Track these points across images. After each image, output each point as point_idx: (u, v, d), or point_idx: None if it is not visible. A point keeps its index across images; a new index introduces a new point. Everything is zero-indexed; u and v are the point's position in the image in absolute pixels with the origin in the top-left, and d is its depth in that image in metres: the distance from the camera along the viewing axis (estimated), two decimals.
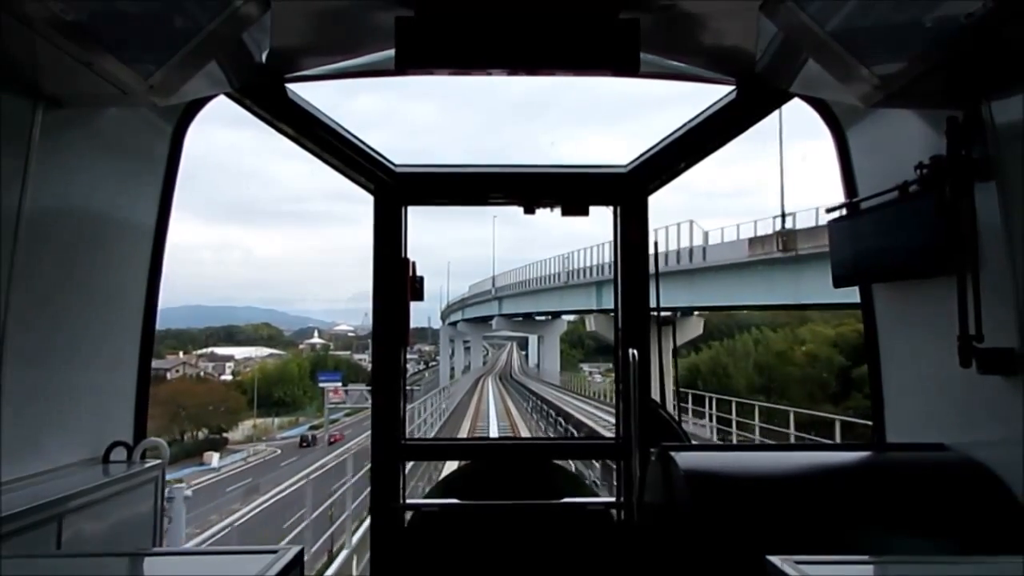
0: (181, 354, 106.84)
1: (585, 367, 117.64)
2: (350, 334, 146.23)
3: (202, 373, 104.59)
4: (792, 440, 20.62)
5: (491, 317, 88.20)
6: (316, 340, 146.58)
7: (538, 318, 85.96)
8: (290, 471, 37.81)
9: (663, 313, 4.81)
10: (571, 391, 63.27)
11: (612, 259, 4.67)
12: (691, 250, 38.38)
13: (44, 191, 3.02)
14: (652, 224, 4.58)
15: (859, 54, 2.82)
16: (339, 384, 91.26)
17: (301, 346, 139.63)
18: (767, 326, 71.82)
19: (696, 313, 47.19)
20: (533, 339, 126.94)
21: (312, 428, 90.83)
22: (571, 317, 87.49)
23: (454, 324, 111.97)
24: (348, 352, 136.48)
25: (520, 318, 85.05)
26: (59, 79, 2.85)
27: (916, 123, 3.30)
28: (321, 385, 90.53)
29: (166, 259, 4.03)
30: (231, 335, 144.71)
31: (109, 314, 3.76)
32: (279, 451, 71.99)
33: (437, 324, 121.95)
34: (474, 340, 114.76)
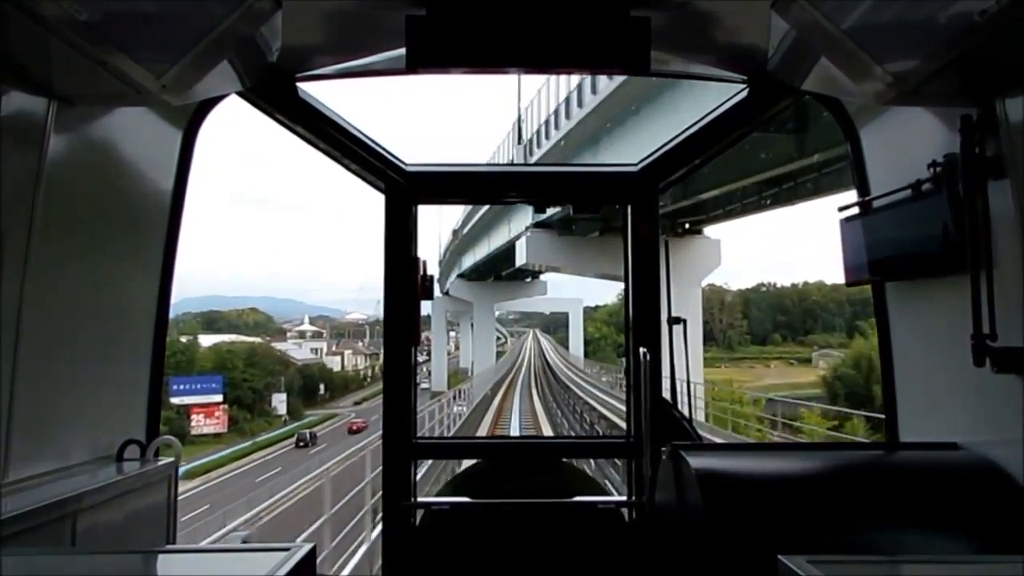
0: None
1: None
2: (360, 322, 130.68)
3: None
4: None
5: (513, 242, 42.49)
6: (306, 327, 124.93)
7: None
8: None
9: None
10: None
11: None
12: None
13: (57, 189, 3.04)
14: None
15: (872, 52, 2.80)
16: (218, 400, 62.70)
17: (289, 334, 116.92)
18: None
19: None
20: (574, 312, 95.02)
21: (309, 426, 71.16)
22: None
23: (448, 293, 74.69)
24: (313, 339, 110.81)
25: (596, 225, 32.89)
26: (73, 78, 2.86)
27: (929, 121, 3.28)
28: (175, 401, 56.76)
29: (185, 251, 4.07)
30: (212, 322, 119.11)
31: (121, 311, 3.78)
32: None
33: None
34: (480, 316, 69.06)
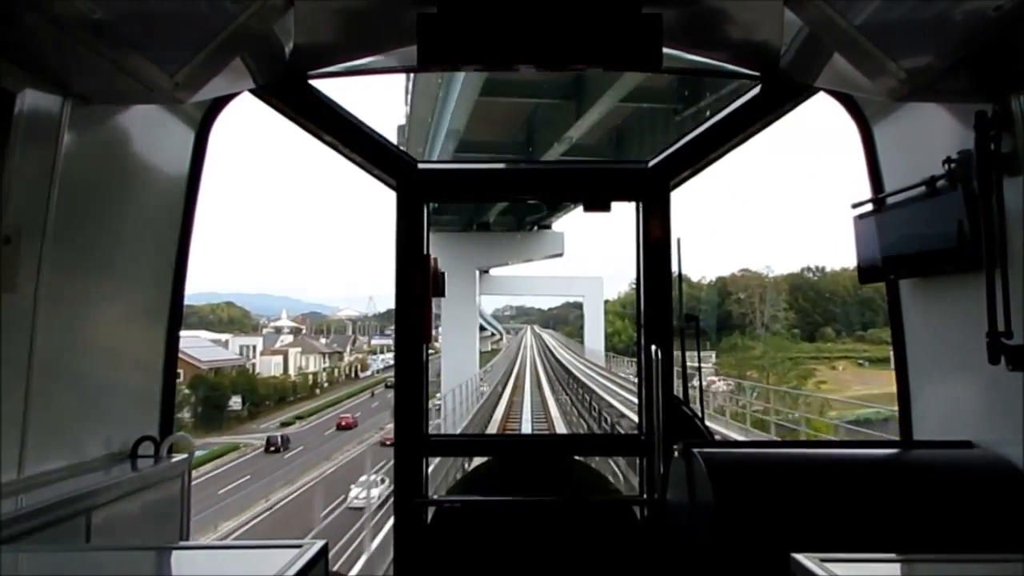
0: None
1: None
2: (350, 319, 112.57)
3: None
4: None
5: None
6: (284, 323, 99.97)
7: None
8: None
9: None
10: None
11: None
12: None
13: (72, 187, 3.06)
14: None
15: (886, 48, 2.79)
16: None
17: (266, 330, 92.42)
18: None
19: None
20: (592, 295, 64.29)
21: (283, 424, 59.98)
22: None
23: None
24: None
25: None
26: (87, 77, 2.88)
27: (943, 117, 3.26)
28: None
29: (192, 249, 4.07)
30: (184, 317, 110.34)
31: (135, 309, 3.81)
32: None
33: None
34: (456, 288, 32.18)
